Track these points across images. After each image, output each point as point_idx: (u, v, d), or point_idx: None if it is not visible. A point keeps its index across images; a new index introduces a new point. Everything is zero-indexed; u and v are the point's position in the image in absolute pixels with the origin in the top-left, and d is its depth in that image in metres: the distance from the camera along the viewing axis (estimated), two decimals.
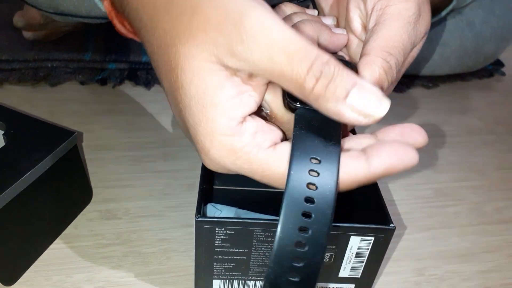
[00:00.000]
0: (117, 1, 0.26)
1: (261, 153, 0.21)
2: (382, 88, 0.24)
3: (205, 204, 0.37)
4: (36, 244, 0.34)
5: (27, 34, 0.56)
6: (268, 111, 0.24)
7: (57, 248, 0.34)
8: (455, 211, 0.42)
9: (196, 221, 0.27)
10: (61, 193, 0.35)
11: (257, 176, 0.22)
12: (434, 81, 0.62)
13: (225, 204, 0.38)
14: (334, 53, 0.28)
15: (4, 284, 0.31)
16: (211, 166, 0.22)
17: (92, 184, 0.40)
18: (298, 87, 0.20)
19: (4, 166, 0.31)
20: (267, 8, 0.20)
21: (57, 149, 0.33)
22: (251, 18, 0.19)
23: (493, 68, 0.67)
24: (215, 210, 0.35)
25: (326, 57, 0.20)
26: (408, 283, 0.34)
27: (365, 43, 0.25)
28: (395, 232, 0.38)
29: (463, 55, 0.57)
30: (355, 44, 0.28)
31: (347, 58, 0.28)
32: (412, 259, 0.36)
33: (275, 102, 0.24)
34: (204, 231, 0.27)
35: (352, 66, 0.24)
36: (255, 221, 0.27)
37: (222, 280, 0.30)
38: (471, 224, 0.40)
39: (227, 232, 0.27)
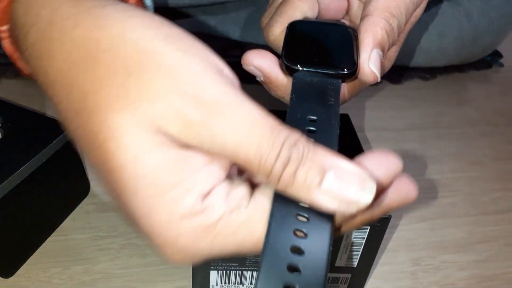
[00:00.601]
0: (14, 38, 0.21)
1: (242, 214, 0.17)
2: (383, 50, 0.24)
3: None
4: (33, 237, 0.34)
5: None
6: (261, 78, 0.24)
7: (54, 241, 0.34)
8: (451, 201, 0.42)
9: None
10: (58, 186, 0.35)
11: (248, 244, 0.17)
12: (431, 72, 0.62)
13: None
14: (336, 20, 0.28)
15: (3, 276, 0.31)
16: (181, 258, 0.17)
17: (90, 177, 0.40)
18: (265, 176, 0.16)
19: (0, 159, 0.31)
20: (227, 78, 0.17)
21: (53, 141, 0.33)
22: (210, 95, 0.16)
23: (491, 59, 0.66)
24: None
25: (295, 137, 0.16)
26: (404, 273, 0.35)
27: (366, 3, 0.25)
28: (391, 223, 0.39)
29: (461, 46, 0.57)
30: (356, 6, 0.28)
31: (347, 22, 0.28)
32: (408, 249, 0.36)
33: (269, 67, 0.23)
34: None
35: (353, 30, 0.25)
36: None
37: (219, 271, 0.30)
38: (467, 214, 0.41)
39: None
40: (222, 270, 0.30)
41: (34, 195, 0.32)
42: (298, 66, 0.22)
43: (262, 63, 0.23)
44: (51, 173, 0.33)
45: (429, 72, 0.61)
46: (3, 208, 0.30)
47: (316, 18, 0.27)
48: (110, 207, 0.38)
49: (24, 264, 0.32)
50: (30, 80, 0.54)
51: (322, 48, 0.23)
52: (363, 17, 0.25)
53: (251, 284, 0.31)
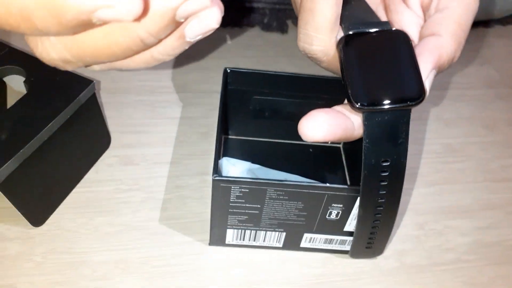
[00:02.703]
0: None
1: None
2: (439, 71, 0.25)
3: (220, 158, 0.38)
4: (61, 188, 0.36)
5: None
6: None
7: (80, 192, 0.36)
8: (461, 167, 0.43)
9: (213, 180, 0.28)
10: (82, 139, 0.36)
11: None
12: None
13: (238, 154, 0.40)
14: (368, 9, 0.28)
15: (34, 225, 0.33)
16: None
17: (110, 129, 0.41)
18: None
19: (29, 114, 0.32)
20: None
21: (76, 98, 0.34)
22: None
23: None
24: (229, 165, 0.36)
25: None
26: (408, 236, 0.36)
27: (435, 21, 0.26)
28: None
29: (489, 3, 0.55)
30: (404, 12, 0.28)
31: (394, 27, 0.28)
32: (414, 214, 0.38)
33: None
34: (220, 188, 0.29)
35: (407, 37, 0.25)
36: (268, 181, 0.29)
37: (235, 230, 0.32)
38: (475, 181, 0.42)
39: (242, 190, 0.29)
40: (238, 229, 0.32)
41: (60, 149, 0.34)
42: (370, 106, 0.22)
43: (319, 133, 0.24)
44: (75, 127, 0.34)
45: None
46: (33, 163, 0.31)
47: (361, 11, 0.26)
48: (131, 160, 0.39)
49: (53, 214, 0.35)
50: None
51: (387, 74, 0.23)
52: (431, 32, 0.25)
53: (264, 241, 0.33)
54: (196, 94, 0.46)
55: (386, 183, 0.25)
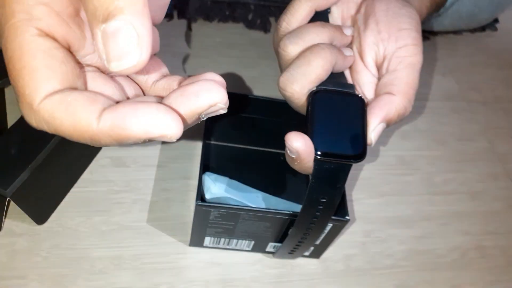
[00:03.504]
0: None
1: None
2: (388, 125, 0.30)
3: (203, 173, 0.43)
4: (61, 189, 0.41)
5: None
6: (294, 156, 0.29)
7: (77, 192, 0.42)
8: (409, 180, 0.50)
9: (196, 205, 0.34)
10: (81, 144, 0.41)
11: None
12: (424, 33, 0.64)
13: (218, 159, 0.45)
14: (341, 73, 0.33)
15: (38, 223, 0.39)
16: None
17: None
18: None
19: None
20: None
21: None
22: None
23: (486, 24, 0.69)
24: (210, 181, 0.41)
25: None
26: (355, 242, 0.44)
27: (386, 82, 0.31)
28: (354, 196, 0.47)
29: (457, 19, 0.59)
30: (362, 72, 0.33)
31: (350, 80, 0.33)
32: (362, 222, 0.45)
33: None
34: (202, 211, 0.35)
35: (364, 103, 0.30)
36: (242, 207, 0.35)
37: (212, 237, 0.39)
38: (419, 193, 0.49)
39: (220, 212, 0.35)
40: (214, 237, 0.39)
41: (62, 156, 0.38)
42: (322, 156, 0.28)
43: (301, 145, 0.28)
44: None
45: (422, 33, 0.64)
46: (39, 172, 0.36)
47: (333, 78, 0.31)
48: (122, 162, 0.44)
49: (54, 213, 0.40)
50: None
51: (340, 132, 0.29)
52: (385, 91, 0.30)
53: (236, 246, 0.40)
54: None
55: (319, 213, 0.31)
